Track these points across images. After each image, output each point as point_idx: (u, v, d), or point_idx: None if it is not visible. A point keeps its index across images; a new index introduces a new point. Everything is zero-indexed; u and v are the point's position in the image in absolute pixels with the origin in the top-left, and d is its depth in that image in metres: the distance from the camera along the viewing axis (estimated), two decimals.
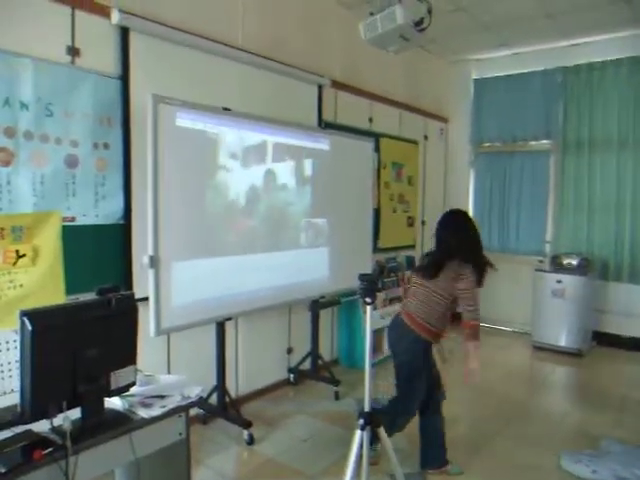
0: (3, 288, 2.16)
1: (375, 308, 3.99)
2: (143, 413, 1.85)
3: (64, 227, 2.45)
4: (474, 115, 6.46)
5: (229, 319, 3.46)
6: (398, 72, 5.61)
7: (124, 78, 2.99)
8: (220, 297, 3.29)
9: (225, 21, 3.63)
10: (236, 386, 3.87)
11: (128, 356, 1.87)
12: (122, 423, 1.79)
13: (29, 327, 1.53)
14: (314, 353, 4.35)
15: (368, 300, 2.19)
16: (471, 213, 6.46)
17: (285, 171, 3.78)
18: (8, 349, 2.01)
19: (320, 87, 4.45)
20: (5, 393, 1.93)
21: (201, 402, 2.68)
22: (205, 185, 3.20)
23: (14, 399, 1.66)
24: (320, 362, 4.35)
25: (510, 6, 4.66)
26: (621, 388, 4.41)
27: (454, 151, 6.72)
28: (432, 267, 2.69)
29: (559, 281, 5.33)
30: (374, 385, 2.46)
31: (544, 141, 5.99)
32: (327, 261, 4.20)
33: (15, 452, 1.54)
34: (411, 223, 5.97)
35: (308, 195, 3.98)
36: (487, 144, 6.46)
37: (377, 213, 5.18)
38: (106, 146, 2.93)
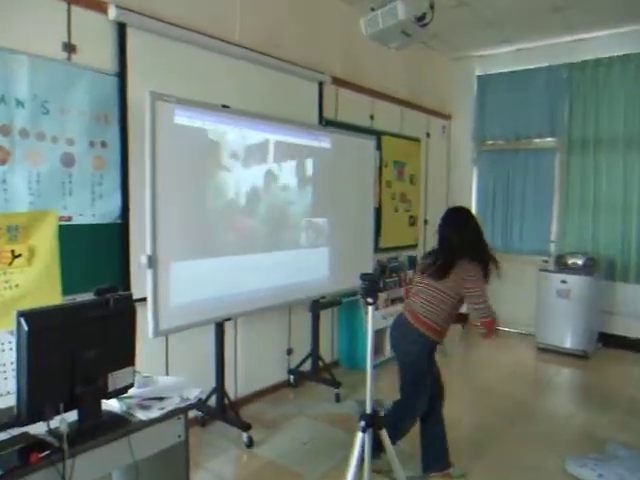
0: None
1: (377, 308, 3.98)
2: (141, 415, 1.86)
3: (60, 226, 2.46)
4: (477, 112, 6.46)
5: (228, 320, 3.46)
6: (400, 69, 5.61)
7: (121, 75, 2.99)
8: (219, 297, 3.29)
9: (224, 17, 3.63)
10: (235, 388, 3.87)
11: (126, 357, 1.87)
12: (120, 425, 1.80)
13: (25, 328, 1.54)
14: (314, 354, 4.36)
15: (370, 300, 2.19)
16: (474, 212, 6.44)
17: (285, 170, 3.78)
18: (4, 350, 2.02)
19: (321, 84, 4.45)
20: (1, 395, 1.94)
21: (200, 404, 2.69)
22: (204, 183, 3.21)
23: (10, 401, 1.66)
24: (320, 363, 4.36)
25: (514, 0, 4.66)
26: (628, 390, 4.41)
27: (457, 149, 6.73)
28: (442, 268, 2.66)
29: (564, 281, 5.33)
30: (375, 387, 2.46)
31: (549, 139, 5.99)
32: (328, 261, 4.20)
33: (11, 455, 1.54)
34: (413, 222, 5.97)
35: (308, 194, 3.98)
36: (490, 142, 6.46)
37: (378, 212, 5.19)
38: (103, 144, 2.94)
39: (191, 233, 3.12)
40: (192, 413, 3.12)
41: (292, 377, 4.37)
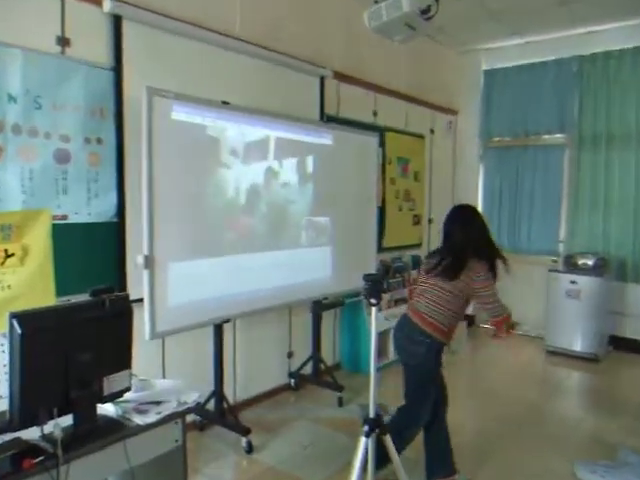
0: None
1: (380, 310, 3.99)
2: (138, 420, 1.86)
3: (54, 225, 2.46)
4: (484, 108, 6.45)
5: (227, 321, 3.46)
6: (404, 63, 5.61)
7: (117, 69, 2.99)
8: (218, 298, 3.30)
9: (223, 9, 3.63)
10: (234, 391, 3.87)
11: (122, 360, 1.87)
12: (116, 430, 1.80)
13: (18, 330, 1.54)
14: (316, 357, 4.36)
15: (373, 301, 2.19)
16: (481, 210, 6.43)
17: (286, 167, 3.78)
18: None
19: (322, 79, 4.45)
20: None
21: (198, 408, 2.69)
22: (202, 181, 3.21)
23: (3, 405, 1.66)
24: (322, 366, 4.36)
25: None
26: (639, 395, 4.40)
27: (463, 146, 6.72)
28: (452, 268, 2.65)
29: (574, 282, 5.32)
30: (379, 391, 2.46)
31: (558, 135, 5.98)
32: (329, 261, 4.20)
33: (4, 461, 1.54)
34: (417, 221, 5.97)
35: (309, 192, 3.98)
36: (497, 138, 6.46)
37: (382, 211, 5.19)
38: (98, 141, 2.94)
39: (189, 232, 3.12)
40: (190, 417, 3.12)
41: (293, 380, 4.38)
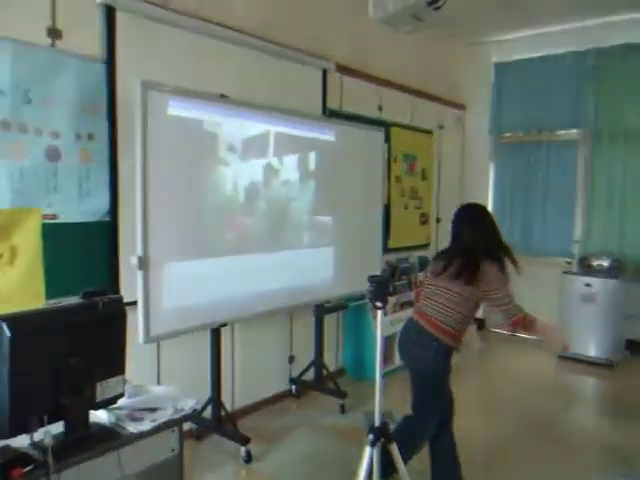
0: None
1: (385, 314, 3.98)
2: (132, 427, 1.86)
3: (45, 225, 2.47)
4: (494, 102, 6.45)
5: (225, 325, 3.47)
6: (410, 55, 5.61)
7: (110, 62, 3.00)
8: (215, 301, 3.30)
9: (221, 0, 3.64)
10: (232, 398, 3.88)
11: (116, 365, 1.88)
12: (109, 438, 1.80)
13: (7, 334, 1.54)
14: (318, 362, 4.36)
15: (379, 304, 2.19)
16: (491, 209, 6.42)
17: (286, 164, 3.78)
18: None
19: (324, 72, 4.45)
20: None
21: (195, 416, 2.69)
22: (199, 179, 3.21)
23: None
24: (325, 372, 4.36)
25: None
26: None
27: (472, 142, 6.72)
28: (465, 270, 2.63)
29: (588, 284, 5.31)
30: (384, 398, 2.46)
31: (572, 130, 5.97)
32: (332, 262, 4.20)
33: None
34: (424, 221, 5.97)
35: (311, 190, 3.98)
36: (509, 134, 6.45)
37: (387, 210, 5.18)
38: (90, 137, 2.94)
39: (185, 232, 3.12)
40: (186, 425, 3.12)
41: (294, 387, 4.38)
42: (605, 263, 5.41)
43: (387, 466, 2.36)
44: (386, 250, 5.10)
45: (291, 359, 4.39)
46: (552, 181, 6.13)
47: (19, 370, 1.57)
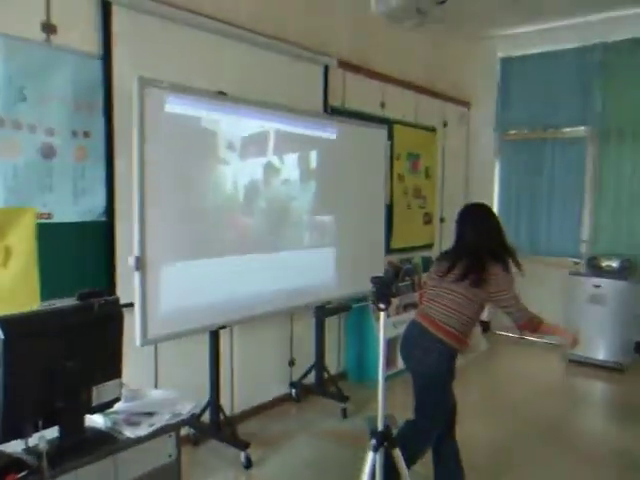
0: None
1: (388, 316, 3.98)
2: (128, 432, 1.86)
3: (39, 225, 2.47)
4: (500, 99, 6.45)
5: (224, 327, 3.47)
6: (414, 51, 5.61)
7: (106, 58, 3.00)
8: (214, 303, 3.30)
9: None
10: (231, 402, 3.88)
11: (112, 368, 1.88)
12: (105, 443, 1.80)
13: (1, 336, 1.54)
14: (319, 366, 4.36)
15: (382, 306, 2.18)
16: (496, 209, 6.44)
17: (287, 163, 3.79)
18: None
19: (326, 68, 4.46)
20: None
21: (193, 420, 2.69)
22: (198, 178, 3.22)
23: None
24: (326, 376, 4.36)
25: None
26: None
27: (477, 139, 6.71)
28: (472, 272, 2.63)
29: (597, 286, 5.31)
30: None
31: (580, 128, 5.97)
32: (333, 263, 4.20)
33: None
34: (428, 220, 5.96)
35: (312, 189, 3.98)
36: (514, 131, 6.45)
37: (390, 209, 5.19)
38: (86, 134, 2.95)
39: (183, 232, 3.12)
40: (184, 430, 3.12)
41: (294, 390, 4.38)
42: (614, 264, 5.40)
43: (390, 471, 2.36)
44: (389, 250, 5.10)
45: (291, 362, 4.39)
46: (559, 179, 6.12)
47: (13, 373, 1.57)
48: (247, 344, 3.98)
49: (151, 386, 3.26)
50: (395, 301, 4.97)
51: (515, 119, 6.37)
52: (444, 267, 2.76)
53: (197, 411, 3.25)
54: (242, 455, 3.30)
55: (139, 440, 1.86)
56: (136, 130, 2.82)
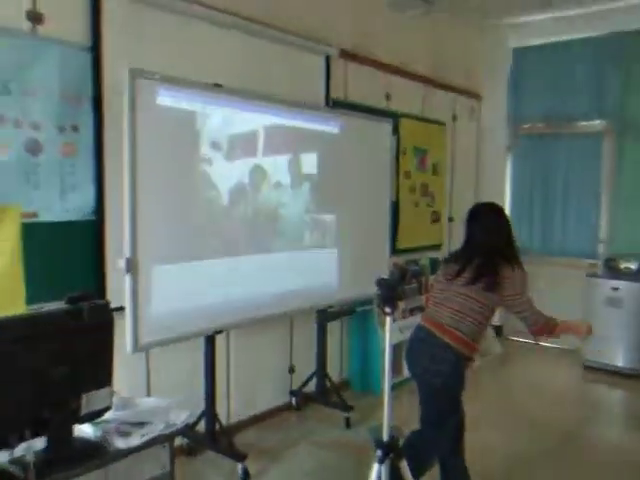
0: None
1: (394, 320, 3.98)
2: (120, 443, 1.86)
3: (24, 224, 2.48)
4: (512, 91, 6.45)
5: (220, 332, 3.47)
6: (421, 40, 5.60)
7: (95, 49, 3.01)
8: (209, 306, 3.31)
9: None
10: (228, 411, 3.88)
11: (102, 376, 1.88)
12: (95, 454, 1.80)
13: None
14: (321, 373, 4.36)
15: (388, 310, 2.19)
16: (508, 207, 6.46)
17: (286, 158, 3.79)
18: None
19: (327, 58, 4.46)
20: None
21: (187, 430, 2.69)
22: (192, 174, 3.22)
23: None
24: (328, 384, 4.36)
25: None
26: None
27: (488, 134, 6.70)
28: (486, 276, 2.64)
29: (615, 288, 5.30)
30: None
31: (597, 121, 5.97)
32: (336, 264, 4.21)
33: None
34: (436, 219, 5.96)
35: (314, 186, 3.98)
36: (527, 125, 6.45)
37: (395, 208, 5.18)
38: (74, 129, 2.95)
39: (177, 232, 3.13)
40: (178, 440, 3.13)
41: (294, 399, 4.38)
42: (633, 265, 5.39)
43: None
44: (394, 251, 5.10)
45: (292, 369, 4.39)
46: (575, 176, 6.13)
47: None
48: (244, 350, 3.98)
49: (143, 394, 3.26)
50: (401, 304, 4.97)
51: (528, 113, 6.37)
52: (453, 270, 2.76)
53: (192, 420, 3.25)
54: (239, 467, 3.30)
55: (131, 451, 1.86)
56: (127, 124, 2.82)
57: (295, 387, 4.39)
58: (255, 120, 3.56)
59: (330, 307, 4.32)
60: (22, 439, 1.62)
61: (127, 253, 2.87)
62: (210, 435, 3.47)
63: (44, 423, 1.69)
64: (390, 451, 2.27)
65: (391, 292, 2.20)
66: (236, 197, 3.46)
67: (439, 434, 2.75)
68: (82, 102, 2.97)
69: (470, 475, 2.85)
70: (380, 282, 2.21)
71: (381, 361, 2.28)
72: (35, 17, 2.78)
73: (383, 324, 2.25)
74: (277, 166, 3.72)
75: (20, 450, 1.62)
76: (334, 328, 4.69)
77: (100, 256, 3.07)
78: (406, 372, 4.65)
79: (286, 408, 4.34)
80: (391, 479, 2.31)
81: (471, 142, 6.65)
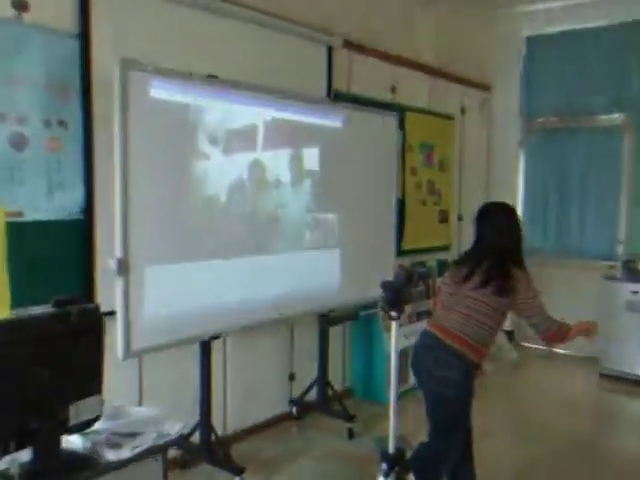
0: None
1: (400, 325, 3.98)
2: (110, 455, 1.86)
3: (9, 224, 2.48)
4: (525, 83, 6.45)
5: (216, 337, 3.47)
6: (428, 29, 5.60)
7: (84, 37, 3.00)
8: (205, 310, 3.31)
9: None
10: (224, 421, 3.88)
11: (91, 384, 1.88)
12: (84, 467, 1.80)
13: None
14: (322, 380, 4.36)
15: (394, 314, 2.19)
16: (521, 206, 6.46)
17: (285, 154, 3.79)
18: None
19: (330, 49, 4.46)
20: None
21: (181, 441, 2.69)
22: (187, 171, 3.22)
23: None
24: (330, 392, 4.37)
25: None
26: None
27: (499, 128, 6.71)
28: (498, 279, 2.64)
29: (635, 292, 5.30)
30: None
31: (615, 115, 5.96)
32: (338, 266, 4.21)
33: None
34: (444, 218, 5.96)
35: (315, 184, 3.99)
36: (542, 119, 6.44)
37: (401, 206, 5.18)
38: (61, 123, 2.95)
39: (171, 231, 3.13)
40: (171, 452, 3.13)
41: (295, 408, 4.38)
42: None
43: None
44: (399, 252, 5.10)
45: (291, 376, 4.40)
46: (592, 173, 6.12)
47: None
48: (242, 356, 3.98)
49: (135, 403, 3.26)
50: (407, 309, 4.97)
51: (542, 106, 6.36)
52: (463, 272, 2.76)
53: (186, 431, 3.25)
54: None
55: (122, 464, 1.86)
56: (118, 118, 2.82)
57: (295, 395, 4.39)
58: (254, 114, 3.57)
59: (332, 311, 4.32)
60: (6, 451, 1.61)
61: (118, 253, 2.87)
62: (205, 446, 3.47)
63: (30, 434, 1.68)
64: (396, 464, 2.28)
65: (397, 295, 2.21)
66: (234, 195, 3.46)
67: (448, 445, 2.75)
68: (70, 94, 2.97)
69: None
70: (385, 285, 2.22)
71: (386, 368, 2.28)
72: (20, 4, 2.78)
73: (388, 329, 2.25)
74: (277, 162, 3.72)
75: (4, 463, 1.61)
76: (336, 333, 4.69)
77: (89, 257, 3.08)
78: (412, 380, 4.69)
79: (286, 418, 4.34)
80: None
81: (481, 137, 6.65)
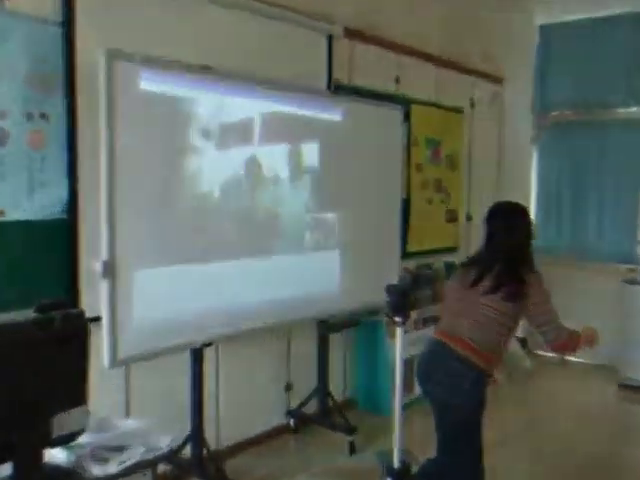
0: None
1: (406, 331, 3.97)
2: (96, 470, 1.87)
3: None
4: (539, 74, 6.45)
5: (209, 345, 3.47)
6: (435, 17, 5.61)
7: (67, 24, 3.00)
8: (197, 316, 3.30)
9: None
10: (217, 434, 3.88)
11: (76, 394, 1.88)
12: None
13: None
14: (322, 391, 4.36)
15: (399, 319, 2.19)
16: (534, 204, 6.46)
17: (283, 150, 3.80)
18: None
19: (330, 38, 4.47)
20: None
21: (171, 455, 2.69)
22: (178, 168, 3.22)
23: None
24: (330, 403, 4.37)
25: None
26: None
27: (511, 122, 6.71)
28: (509, 284, 2.66)
29: None
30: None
31: (634, 108, 5.97)
32: (339, 269, 4.21)
33: None
34: (452, 218, 5.97)
35: (313, 181, 3.99)
36: (556, 113, 6.45)
37: (406, 205, 5.19)
38: (44, 117, 2.95)
39: (160, 232, 3.13)
40: (161, 467, 3.13)
41: (292, 420, 4.39)
42: None
43: None
44: (404, 254, 5.10)
45: (289, 386, 4.40)
46: (609, 170, 6.12)
47: None
48: (236, 365, 3.98)
49: (122, 415, 3.27)
50: (413, 314, 4.97)
51: (557, 98, 6.37)
52: (471, 276, 2.77)
53: (176, 444, 3.25)
54: None
55: (108, 479, 1.86)
56: (104, 112, 2.82)
57: (293, 407, 4.39)
58: (249, 106, 3.57)
59: (332, 317, 4.32)
60: None
61: (104, 255, 2.87)
62: (197, 461, 3.47)
63: (10, 447, 1.69)
64: (401, 479, 2.27)
65: (402, 300, 2.21)
66: (228, 193, 3.46)
67: (456, 462, 2.75)
68: (53, 86, 2.96)
69: None
70: (390, 289, 2.22)
71: (391, 377, 2.28)
72: None
73: (393, 335, 2.25)
74: (273, 158, 3.72)
75: None
76: (337, 340, 4.69)
77: (73, 259, 3.08)
78: (418, 390, 4.68)
79: (283, 430, 4.34)
80: None
81: (492, 131, 6.65)
